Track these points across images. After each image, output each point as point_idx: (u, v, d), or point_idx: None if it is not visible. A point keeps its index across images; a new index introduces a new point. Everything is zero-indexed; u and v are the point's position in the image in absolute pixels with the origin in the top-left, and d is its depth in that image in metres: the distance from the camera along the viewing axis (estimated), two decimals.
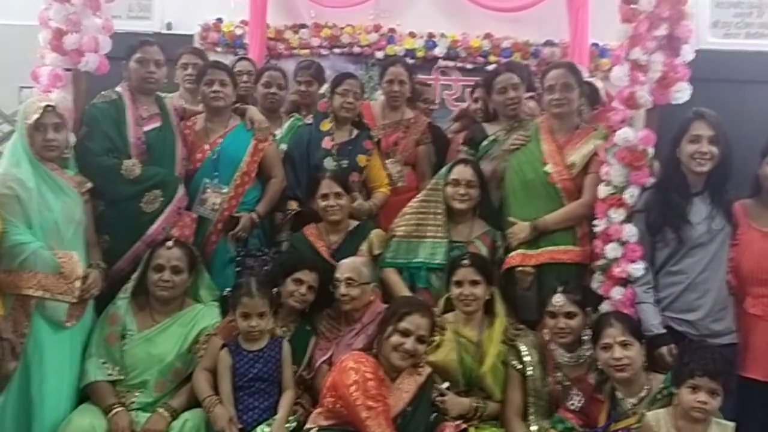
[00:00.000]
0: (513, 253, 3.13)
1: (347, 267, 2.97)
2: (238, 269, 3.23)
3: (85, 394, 2.79)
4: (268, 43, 4.85)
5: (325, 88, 3.61)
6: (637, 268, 2.86)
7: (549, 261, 3.07)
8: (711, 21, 4.85)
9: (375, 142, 3.59)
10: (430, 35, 4.87)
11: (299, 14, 4.96)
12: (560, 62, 3.52)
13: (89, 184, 2.93)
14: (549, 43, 4.74)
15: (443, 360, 2.81)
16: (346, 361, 2.60)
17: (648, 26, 2.87)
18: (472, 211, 3.24)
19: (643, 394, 2.57)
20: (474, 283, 2.86)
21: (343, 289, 2.92)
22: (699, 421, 2.37)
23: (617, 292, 2.88)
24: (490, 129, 3.49)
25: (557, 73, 3.16)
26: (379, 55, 4.85)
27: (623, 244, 2.89)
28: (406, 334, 2.64)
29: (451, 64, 4.89)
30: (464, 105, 4.39)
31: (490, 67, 4.40)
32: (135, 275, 2.92)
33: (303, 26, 4.92)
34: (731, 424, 2.42)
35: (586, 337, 2.75)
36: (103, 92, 3.18)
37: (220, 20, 4.91)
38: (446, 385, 2.78)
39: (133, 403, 2.76)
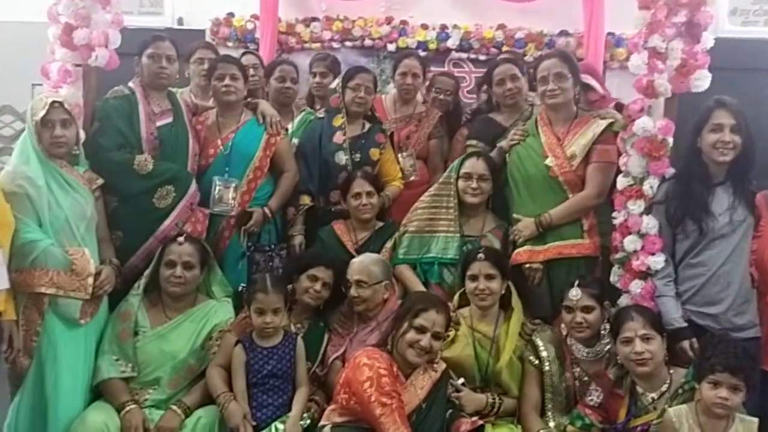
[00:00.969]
0: (520, 250, 3.09)
1: (357, 268, 2.94)
2: (248, 264, 3.22)
3: (98, 392, 2.79)
4: (280, 37, 4.81)
5: (336, 83, 3.56)
6: (657, 261, 2.81)
7: (557, 256, 3.03)
8: (729, 9, 4.78)
9: (388, 136, 3.57)
10: (443, 27, 4.80)
11: (310, 7, 4.91)
12: (551, 52, 3.45)
13: (100, 181, 2.93)
14: (564, 34, 4.67)
15: (458, 356, 2.79)
16: (360, 358, 2.57)
17: (666, 12, 2.82)
18: (484, 204, 3.21)
19: (663, 388, 2.55)
20: (489, 277, 2.83)
21: (353, 290, 2.90)
22: (721, 417, 2.34)
23: (637, 286, 2.84)
24: (497, 118, 3.52)
25: (549, 63, 3.09)
26: (391, 47, 4.79)
27: (642, 236, 2.85)
28: (422, 330, 2.61)
29: (464, 55, 4.82)
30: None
31: None
32: (147, 272, 2.91)
33: (314, 19, 4.87)
34: (755, 420, 2.38)
35: (604, 332, 2.71)
36: (115, 88, 3.17)
37: (231, 15, 4.89)
38: (461, 380, 2.76)
39: (146, 400, 2.75)
